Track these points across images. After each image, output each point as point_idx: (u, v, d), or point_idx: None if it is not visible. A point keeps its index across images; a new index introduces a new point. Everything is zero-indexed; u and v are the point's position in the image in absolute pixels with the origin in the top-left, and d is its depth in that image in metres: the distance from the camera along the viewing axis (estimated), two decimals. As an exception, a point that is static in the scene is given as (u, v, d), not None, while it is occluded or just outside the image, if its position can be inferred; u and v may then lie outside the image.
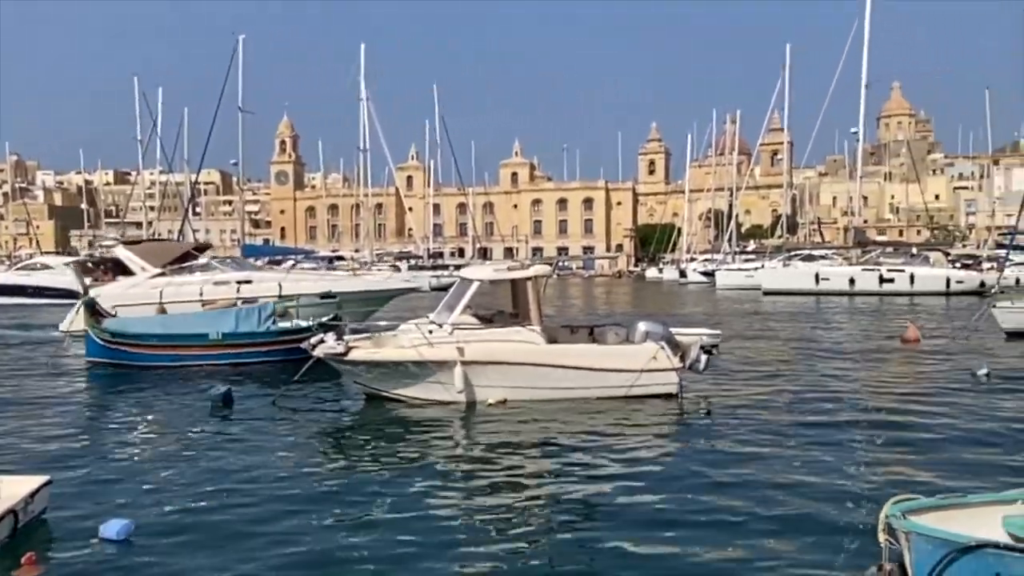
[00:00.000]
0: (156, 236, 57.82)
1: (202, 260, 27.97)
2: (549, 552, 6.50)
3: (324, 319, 18.40)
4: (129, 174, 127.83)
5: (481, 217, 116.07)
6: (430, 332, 12.05)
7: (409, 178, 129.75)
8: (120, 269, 30.25)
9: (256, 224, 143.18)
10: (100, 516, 7.04)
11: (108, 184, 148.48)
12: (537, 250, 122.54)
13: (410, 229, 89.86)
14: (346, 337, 12.31)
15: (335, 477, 8.65)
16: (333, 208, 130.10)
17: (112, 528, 6.65)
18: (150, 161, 64.54)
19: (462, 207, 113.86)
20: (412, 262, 75.28)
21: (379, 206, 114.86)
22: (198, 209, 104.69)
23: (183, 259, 27.37)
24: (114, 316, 18.34)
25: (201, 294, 24.31)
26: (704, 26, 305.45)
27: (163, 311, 21.90)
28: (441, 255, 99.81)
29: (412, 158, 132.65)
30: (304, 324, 17.54)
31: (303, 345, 12.78)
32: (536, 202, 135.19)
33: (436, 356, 11.80)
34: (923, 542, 5.17)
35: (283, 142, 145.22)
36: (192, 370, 15.92)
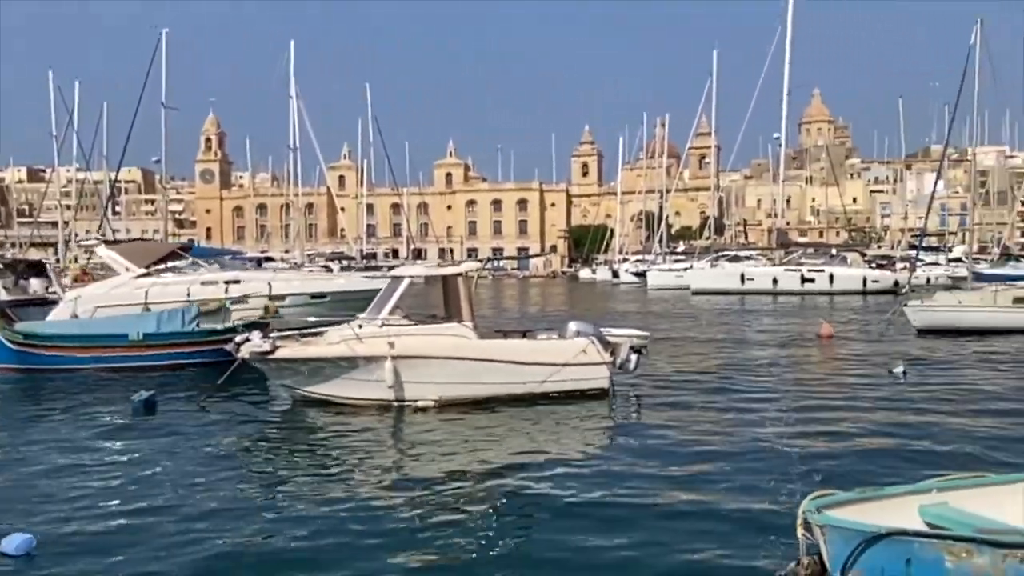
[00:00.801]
0: (74, 236, 55.23)
1: (188, 260, 27.00)
2: (484, 549, 6.49)
3: (254, 319, 17.94)
4: (44, 171, 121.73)
5: (415, 218, 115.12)
6: (359, 328, 11.89)
7: (341, 178, 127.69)
8: (36, 271, 28.93)
9: (180, 224, 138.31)
10: (1, 531, 6.65)
11: (21, 182, 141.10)
12: (472, 251, 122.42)
13: (342, 230, 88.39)
14: (272, 336, 12.03)
15: (262, 483, 8.41)
16: (262, 208, 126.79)
17: (12, 543, 6.28)
18: (66, 158, 61.61)
19: (396, 207, 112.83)
20: (344, 263, 74.11)
21: (310, 206, 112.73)
22: (118, 208, 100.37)
23: (168, 259, 26.40)
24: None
25: (188, 294, 23.42)
26: (637, 27, 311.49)
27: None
28: (374, 256, 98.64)
29: (344, 157, 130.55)
30: (230, 324, 17.04)
31: (228, 346, 12.42)
32: (471, 203, 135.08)
33: (366, 351, 11.64)
34: (836, 534, 5.34)
35: (208, 139, 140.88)
36: (112, 373, 15.28)
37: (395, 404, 11.75)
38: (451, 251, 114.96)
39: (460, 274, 12.46)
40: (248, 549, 6.46)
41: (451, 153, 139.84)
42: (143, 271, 24.96)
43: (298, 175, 65.26)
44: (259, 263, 61.57)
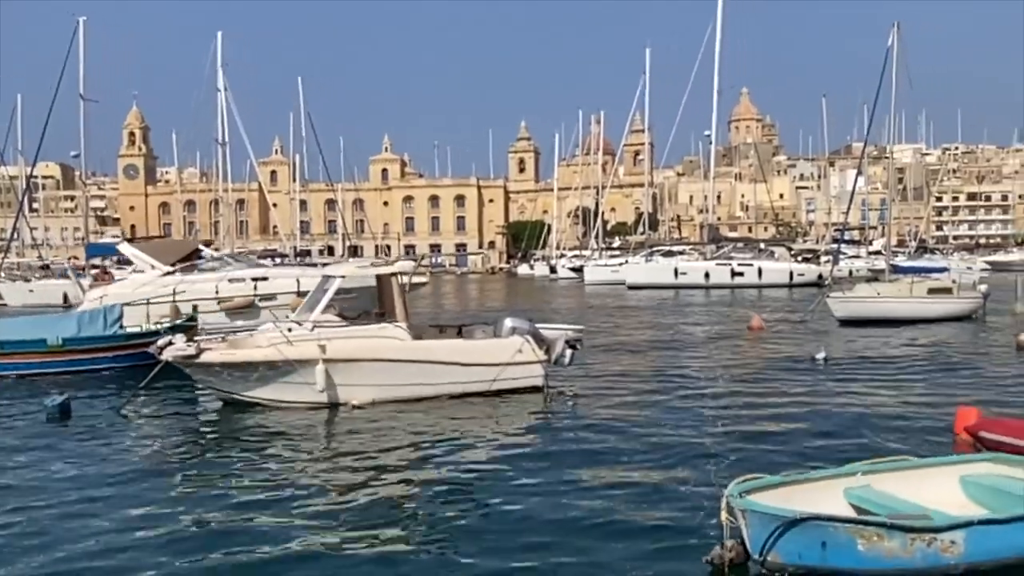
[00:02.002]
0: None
1: (214, 257, 26.83)
2: (419, 553, 6.43)
3: (179, 321, 17.39)
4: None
5: (351, 214, 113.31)
6: (289, 330, 11.63)
7: (273, 173, 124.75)
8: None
9: (103, 221, 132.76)
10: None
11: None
12: (410, 247, 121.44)
13: (275, 226, 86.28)
14: (197, 338, 11.66)
15: (184, 492, 8.12)
16: (189, 204, 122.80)
17: None
18: (-24, 152, 58.21)
19: (331, 204, 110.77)
20: (277, 260, 72.37)
21: (241, 202, 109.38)
22: (35, 205, 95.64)
23: (192, 256, 26.06)
24: None
25: (217, 292, 23.22)
26: (572, 24, 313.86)
27: (176, 311, 20.24)
28: (309, 253, 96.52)
29: (276, 152, 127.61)
30: (155, 327, 16.46)
31: (150, 349, 11.99)
32: (408, 199, 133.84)
33: (296, 355, 11.39)
34: (756, 519, 5.53)
35: (132, 134, 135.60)
36: (28, 380, 14.54)
37: (327, 407, 11.55)
38: (388, 248, 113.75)
39: (394, 274, 12.33)
40: (170, 558, 6.25)
41: (387, 149, 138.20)
42: (169, 269, 24.41)
43: (228, 170, 63.32)
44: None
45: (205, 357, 11.44)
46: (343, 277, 12.34)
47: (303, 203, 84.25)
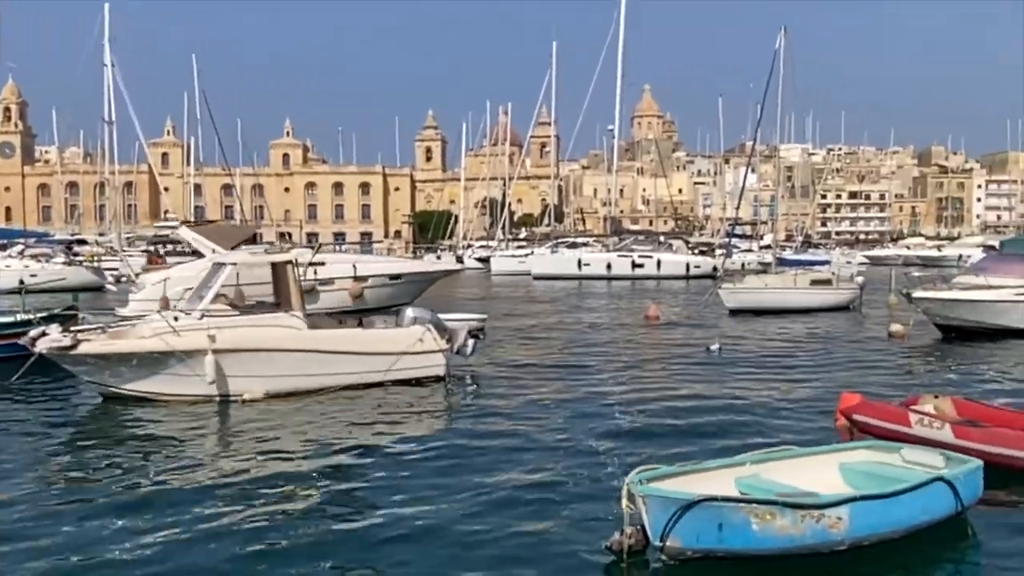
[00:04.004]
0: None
1: (270, 242, 26.38)
2: (320, 549, 6.23)
3: (57, 310, 16.22)
4: None
5: (250, 200, 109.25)
6: (175, 320, 11.04)
7: (165, 155, 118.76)
8: None
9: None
10: None
11: None
12: (312, 235, 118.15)
13: (166, 211, 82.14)
14: (74, 329, 10.90)
15: (63, 494, 7.56)
16: (72, 186, 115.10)
17: None
18: None
19: (227, 189, 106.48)
20: (169, 247, 68.93)
21: (129, 185, 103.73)
22: None
23: (251, 241, 25.50)
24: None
25: None
26: (479, 14, 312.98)
27: (241, 295, 18.68)
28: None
29: (168, 133, 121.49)
30: (28, 316, 15.27)
31: (22, 340, 11.12)
32: (310, 185, 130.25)
33: (183, 345, 10.83)
34: (655, 503, 5.69)
35: (7, 109, 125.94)
36: None
37: (218, 399, 11.06)
38: (289, 235, 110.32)
39: (289, 261, 11.92)
40: (49, 564, 5.80)
41: (288, 133, 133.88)
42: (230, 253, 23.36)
43: (115, 151, 59.79)
44: (69, 247, 55.96)
45: (82, 348, 10.70)
46: (234, 264, 11.83)
47: (197, 187, 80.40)
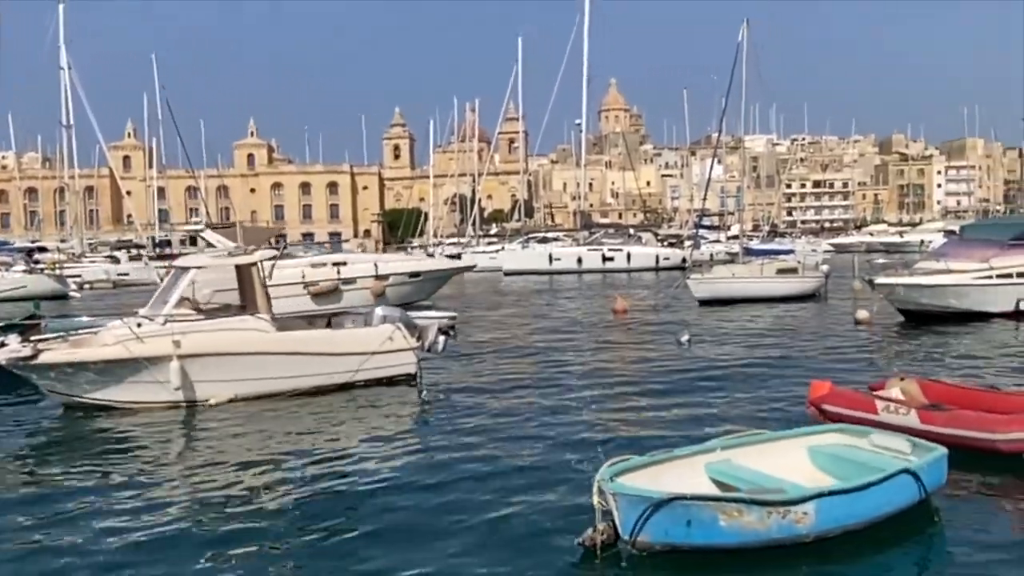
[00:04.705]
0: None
1: (293, 243, 26.14)
2: (289, 552, 6.15)
3: (17, 319, 15.84)
4: None
5: (215, 202, 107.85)
6: (139, 326, 10.81)
7: (126, 158, 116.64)
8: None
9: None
10: None
11: None
12: (281, 236, 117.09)
13: (129, 216, 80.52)
14: (34, 338, 10.62)
15: (23, 509, 7.34)
16: (31, 192, 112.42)
17: None
18: None
19: (192, 191, 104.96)
20: (134, 252, 67.57)
21: (90, 190, 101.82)
22: None
23: (276, 242, 25.91)
24: None
25: (303, 277, 23.56)
26: (444, 10, 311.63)
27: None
28: (169, 243, 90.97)
29: (129, 136, 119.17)
30: None
31: (-22, 351, 10.79)
32: (276, 186, 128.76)
33: (147, 352, 10.61)
34: (625, 501, 5.71)
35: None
36: None
37: (185, 405, 10.86)
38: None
39: (254, 263, 11.73)
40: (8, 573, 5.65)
41: (253, 133, 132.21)
42: None
43: (74, 155, 58.59)
44: (29, 254, 54.62)
45: (43, 358, 10.43)
46: (198, 268, 11.61)
47: (161, 190, 79.15)
